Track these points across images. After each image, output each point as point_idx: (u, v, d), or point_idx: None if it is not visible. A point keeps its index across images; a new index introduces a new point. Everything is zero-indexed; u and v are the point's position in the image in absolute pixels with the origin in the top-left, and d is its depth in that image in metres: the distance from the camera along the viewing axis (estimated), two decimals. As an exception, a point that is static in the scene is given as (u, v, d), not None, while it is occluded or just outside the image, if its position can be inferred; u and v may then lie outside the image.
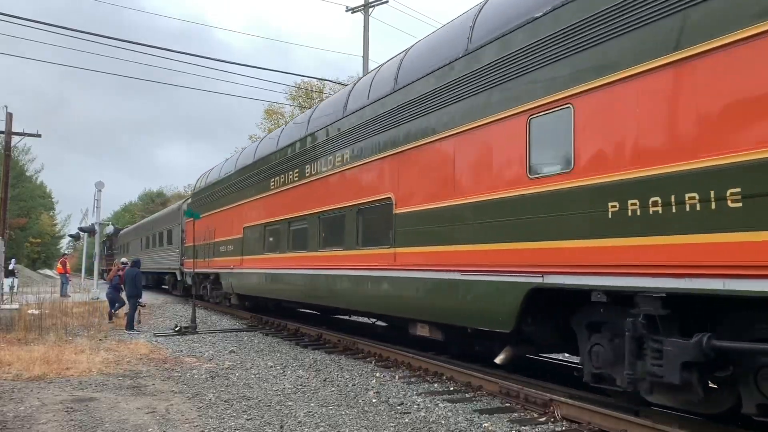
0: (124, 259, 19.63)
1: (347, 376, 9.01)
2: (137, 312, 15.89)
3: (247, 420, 6.56)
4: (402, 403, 7.28)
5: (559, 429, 6.14)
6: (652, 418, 5.78)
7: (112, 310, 17.28)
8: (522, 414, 6.75)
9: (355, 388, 8.23)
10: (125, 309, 16.13)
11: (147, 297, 20.27)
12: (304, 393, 7.93)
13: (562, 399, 6.60)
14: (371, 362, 10.23)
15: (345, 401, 7.44)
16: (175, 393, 8.00)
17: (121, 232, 47.45)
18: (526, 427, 6.20)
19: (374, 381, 8.66)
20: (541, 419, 6.47)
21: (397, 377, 8.93)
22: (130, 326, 15.24)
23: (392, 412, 6.85)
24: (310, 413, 6.82)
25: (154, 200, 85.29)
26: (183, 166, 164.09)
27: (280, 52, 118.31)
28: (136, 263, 17.17)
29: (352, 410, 6.97)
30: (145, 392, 8.04)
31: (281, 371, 9.53)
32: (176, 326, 15.00)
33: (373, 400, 7.47)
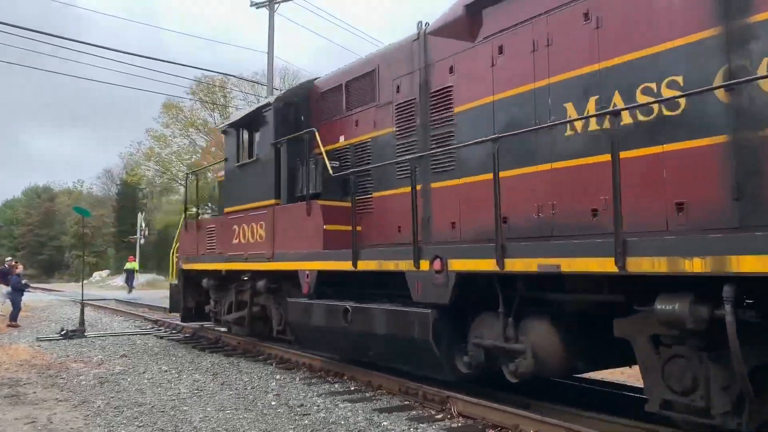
0: (9, 258, 19.09)
1: (246, 379, 8.83)
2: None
3: (139, 427, 6.27)
4: (302, 405, 7.22)
5: (456, 425, 6.31)
6: (541, 412, 6.06)
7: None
8: (420, 411, 6.87)
9: (254, 391, 8.07)
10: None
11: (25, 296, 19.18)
12: (201, 397, 7.69)
13: (459, 396, 6.78)
14: (272, 364, 10.07)
15: (243, 404, 7.28)
16: (60, 401, 7.51)
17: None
18: (424, 425, 6.32)
19: (274, 383, 8.54)
20: (438, 416, 6.62)
21: (297, 379, 8.85)
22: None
23: (292, 414, 6.78)
24: (207, 418, 6.62)
25: (40, 196, 79.70)
26: (63, 157, 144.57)
27: (150, 33, 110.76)
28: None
29: (250, 413, 6.83)
30: (25, 401, 7.50)
31: (176, 375, 9.19)
32: (62, 329, 14.11)
33: (273, 403, 7.36)
